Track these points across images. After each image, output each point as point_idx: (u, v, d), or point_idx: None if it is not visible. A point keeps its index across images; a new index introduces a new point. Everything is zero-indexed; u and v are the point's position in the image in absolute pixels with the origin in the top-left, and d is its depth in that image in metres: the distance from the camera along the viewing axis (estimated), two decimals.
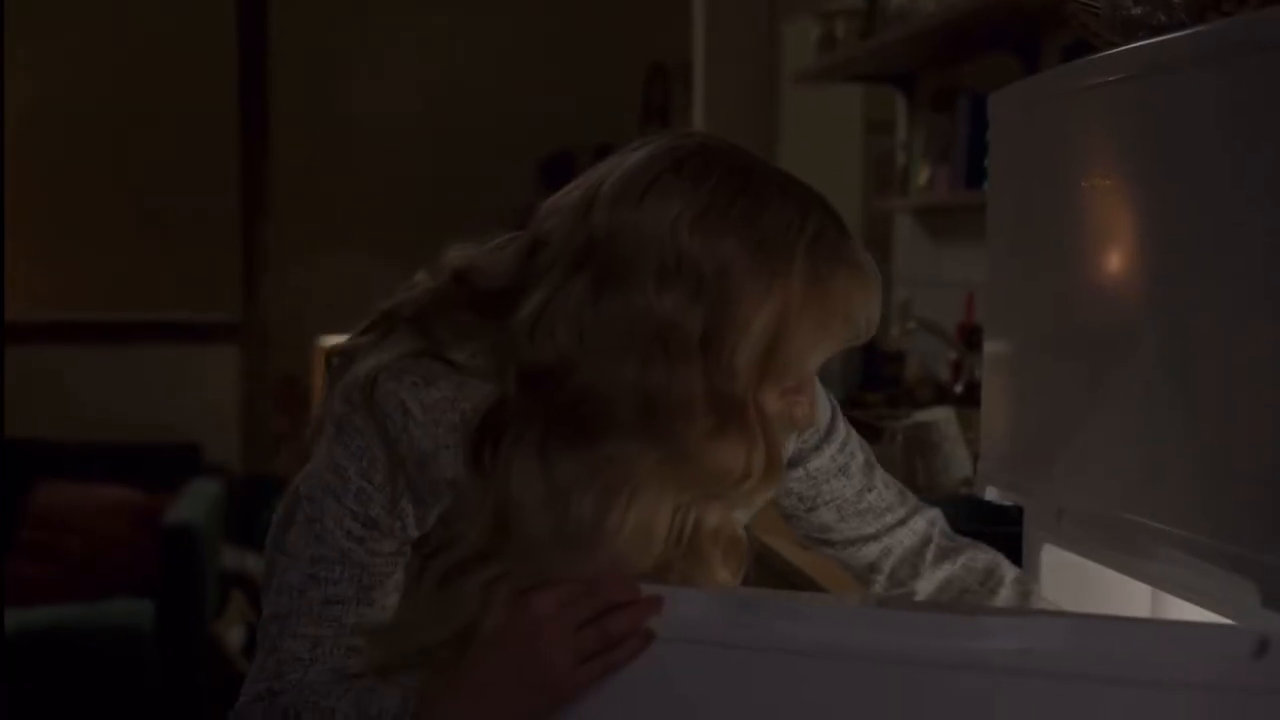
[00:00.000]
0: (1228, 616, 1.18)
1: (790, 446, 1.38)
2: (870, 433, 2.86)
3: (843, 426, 1.46)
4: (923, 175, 3.53)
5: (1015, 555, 1.57)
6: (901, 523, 1.46)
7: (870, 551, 1.46)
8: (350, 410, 1.25)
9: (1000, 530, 1.72)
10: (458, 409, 1.23)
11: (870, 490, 1.46)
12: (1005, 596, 1.44)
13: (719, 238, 1.16)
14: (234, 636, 4.48)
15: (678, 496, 1.20)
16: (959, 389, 3.04)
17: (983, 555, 1.47)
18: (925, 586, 1.45)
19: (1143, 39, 1.35)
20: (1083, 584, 1.47)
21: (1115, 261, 1.33)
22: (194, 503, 4.44)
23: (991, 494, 1.60)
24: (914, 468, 2.65)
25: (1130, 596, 1.42)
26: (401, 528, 1.26)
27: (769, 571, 2.44)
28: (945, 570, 1.45)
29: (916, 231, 3.89)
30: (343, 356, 1.31)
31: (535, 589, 1.17)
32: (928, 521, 1.48)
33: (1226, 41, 1.18)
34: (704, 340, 1.15)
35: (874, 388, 3.62)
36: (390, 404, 1.23)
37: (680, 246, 1.15)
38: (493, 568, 1.20)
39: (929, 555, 1.46)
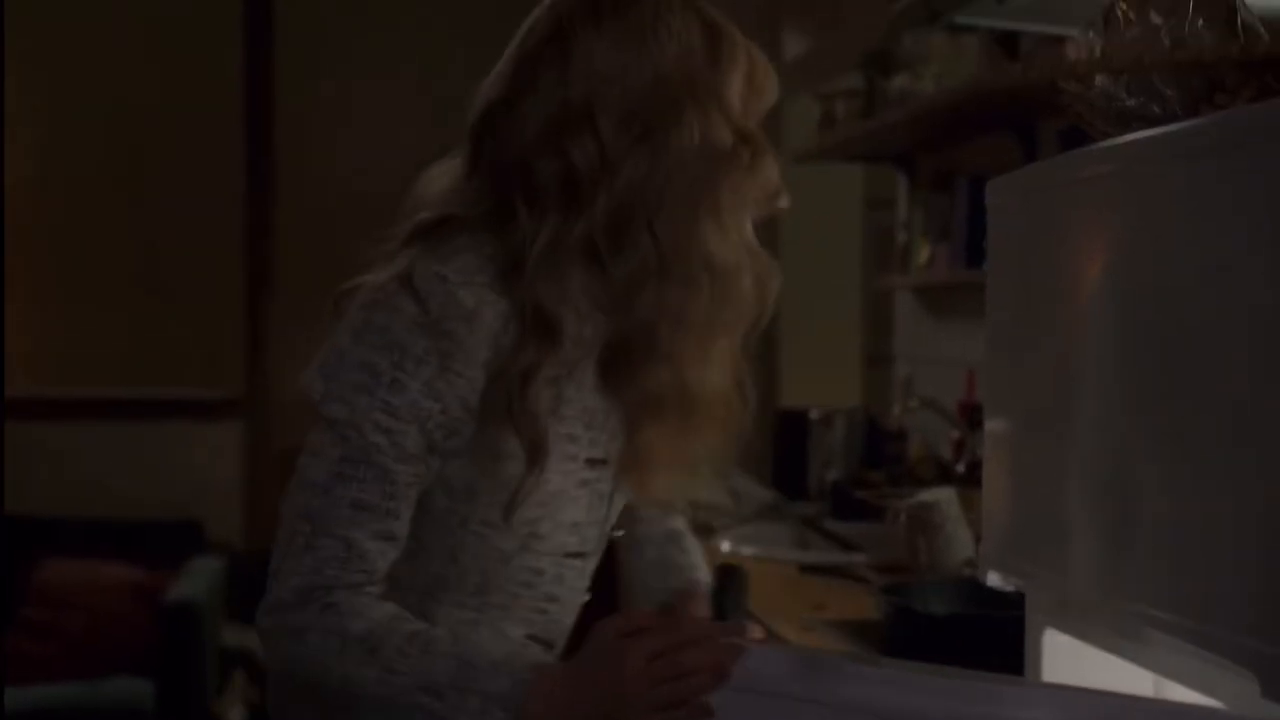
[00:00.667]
0: (1228, 705, 1.18)
1: None
2: (873, 511, 2.88)
3: None
4: (923, 253, 3.56)
5: (1017, 638, 1.58)
6: None
7: None
8: (376, 304, 1.39)
9: (1002, 614, 1.72)
10: (486, 269, 1.39)
11: None
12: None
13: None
14: (235, 716, 4.45)
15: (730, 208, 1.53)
16: (961, 468, 3.04)
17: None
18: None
19: (1137, 129, 1.37)
20: (1085, 668, 1.47)
21: (1111, 348, 1.34)
22: (195, 580, 4.43)
23: (993, 579, 1.60)
24: (916, 547, 2.65)
25: (1133, 682, 1.42)
26: (441, 410, 1.37)
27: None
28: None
29: (917, 309, 3.91)
30: (347, 291, 1.47)
31: (620, 618, 1.33)
32: None
33: (1220, 136, 1.19)
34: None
35: (877, 465, 3.63)
36: (428, 278, 1.38)
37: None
38: (551, 368, 1.40)
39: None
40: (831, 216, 4.99)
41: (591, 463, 1.50)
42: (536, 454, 1.41)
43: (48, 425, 5.19)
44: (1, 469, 4.19)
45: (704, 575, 1.84)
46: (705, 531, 3.31)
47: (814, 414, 3.63)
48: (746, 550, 3.04)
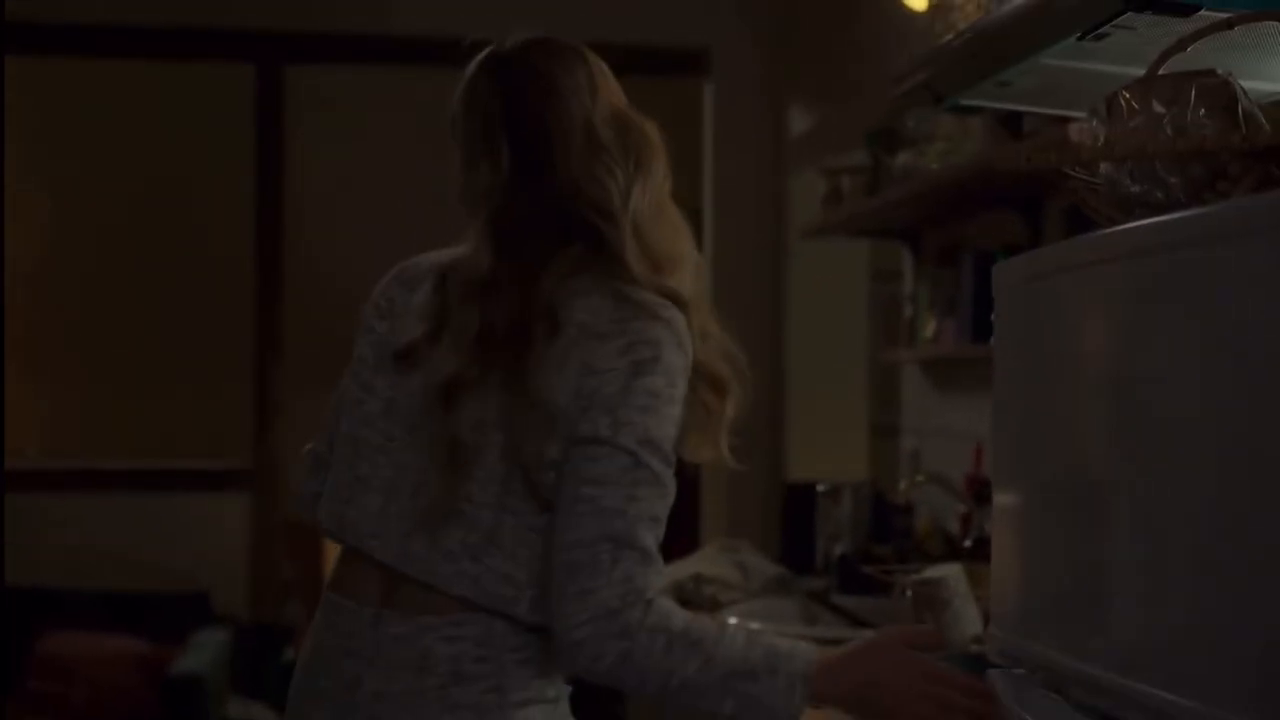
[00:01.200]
0: None
1: None
2: (880, 586, 2.87)
3: None
4: (929, 327, 3.57)
5: None
6: None
7: None
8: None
9: None
10: None
11: None
12: None
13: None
14: None
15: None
16: (968, 543, 3.04)
17: None
18: None
19: (1140, 215, 1.39)
20: None
21: (1117, 430, 1.35)
22: (201, 652, 4.42)
23: (999, 659, 1.60)
24: (923, 623, 2.64)
25: None
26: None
27: None
28: None
29: (924, 382, 3.92)
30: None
31: (908, 629, 1.78)
32: None
33: (1222, 225, 1.21)
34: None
35: (884, 540, 3.62)
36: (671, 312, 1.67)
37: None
38: None
39: None
40: (838, 290, 5.01)
41: None
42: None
43: (52, 496, 5.19)
44: (1, 539, 4.19)
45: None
46: (713, 606, 3.31)
47: (821, 488, 3.63)
48: (754, 625, 3.03)
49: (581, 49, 1.78)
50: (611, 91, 1.77)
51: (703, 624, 1.58)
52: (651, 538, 1.57)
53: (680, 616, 1.56)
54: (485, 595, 1.60)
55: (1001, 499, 1.66)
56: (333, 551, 5.58)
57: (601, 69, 1.77)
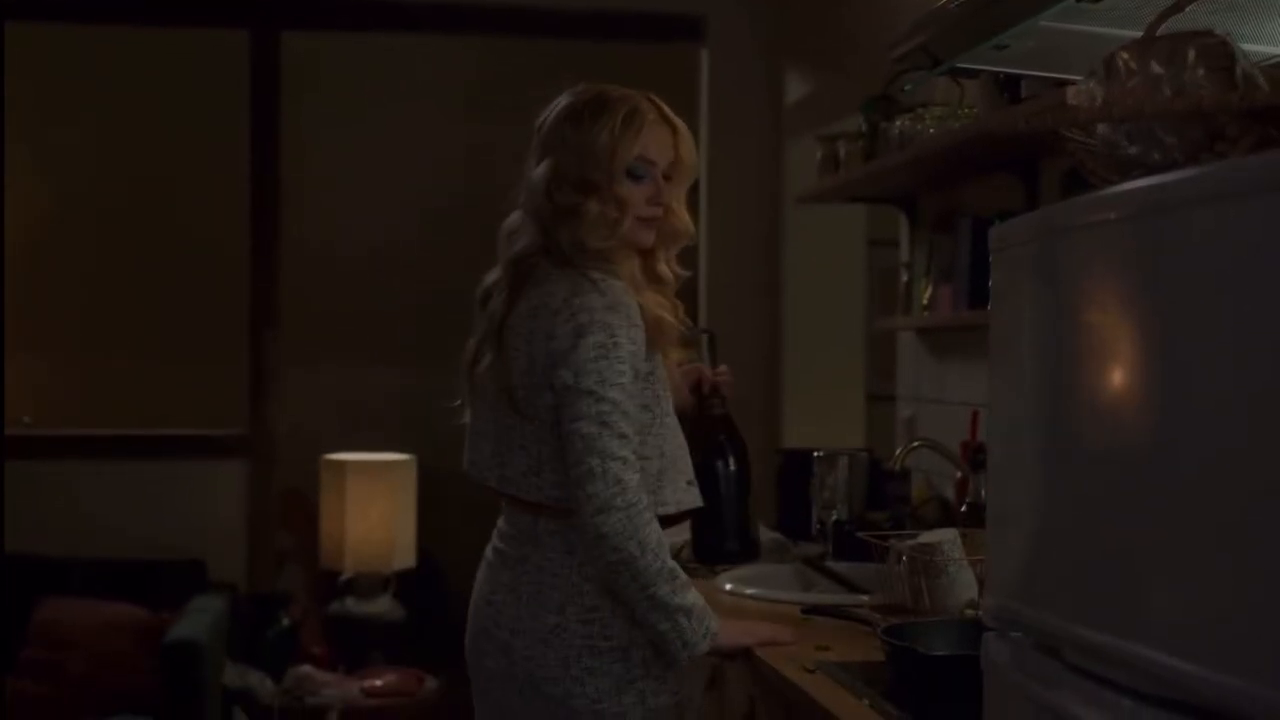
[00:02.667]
0: None
1: None
2: (876, 552, 2.87)
3: None
4: (925, 294, 3.57)
5: None
6: None
7: None
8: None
9: None
10: None
11: None
12: None
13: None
14: None
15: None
16: (964, 508, 3.04)
17: None
18: None
19: (1137, 177, 1.38)
20: None
21: (1115, 392, 1.35)
22: (197, 620, 4.42)
23: (995, 624, 1.60)
24: (918, 589, 2.65)
25: None
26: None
27: (771, 691, 2.43)
28: None
29: (920, 349, 3.92)
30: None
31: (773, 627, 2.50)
32: None
33: (1219, 185, 1.20)
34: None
35: (880, 506, 3.63)
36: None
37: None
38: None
39: None
40: (834, 257, 5.01)
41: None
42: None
43: (49, 464, 5.19)
44: (1, 508, 4.19)
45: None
46: (709, 572, 3.31)
47: (817, 454, 3.63)
48: (749, 590, 3.04)
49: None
50: (582, 129, 2.34)
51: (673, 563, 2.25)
52: (628, 449, 2.21)
53: (665, 540, 2.23)
54: (548, 497, 2.30)
55: (998, 464, 1.66)
56: (329, 520, 5.61)
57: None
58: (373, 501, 5.18)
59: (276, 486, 5.39)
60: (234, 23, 5.33)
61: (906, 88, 3.29)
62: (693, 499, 2.39)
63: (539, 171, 2.33)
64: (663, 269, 2.43)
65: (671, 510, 2.34)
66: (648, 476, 2.27)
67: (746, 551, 2.76)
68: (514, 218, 2.38)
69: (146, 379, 5.85)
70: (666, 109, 2.40)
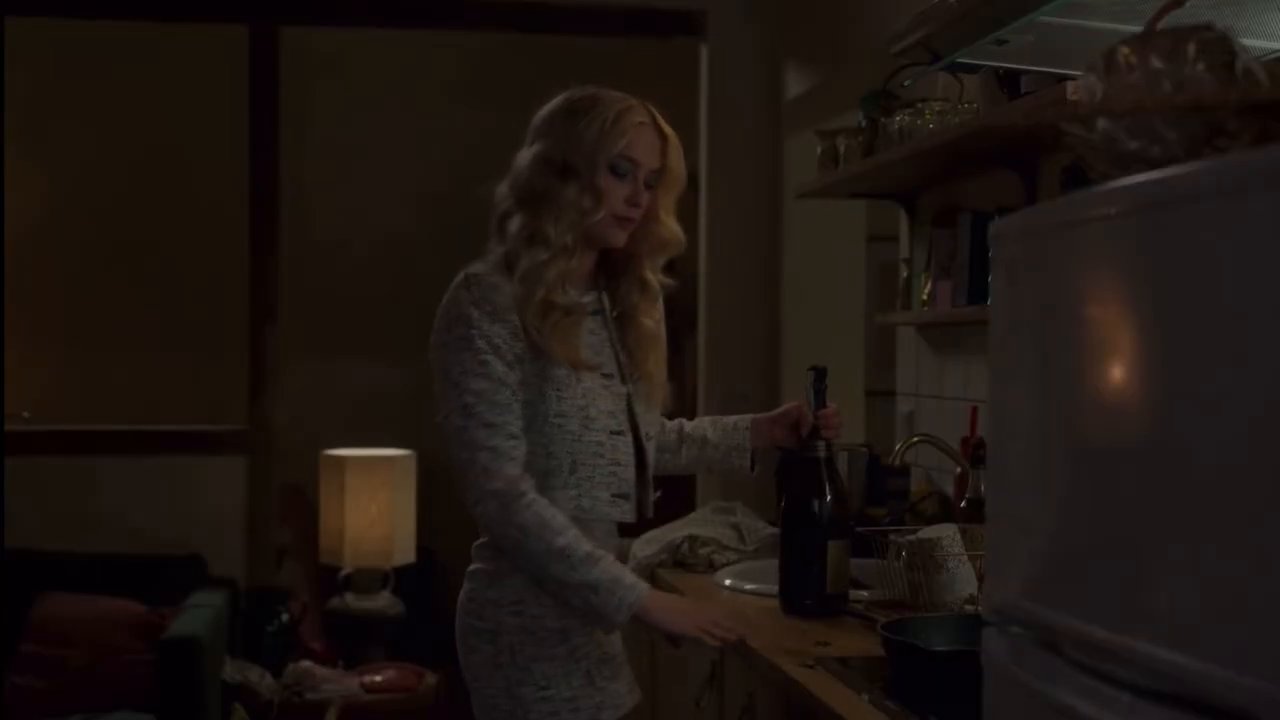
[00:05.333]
0: None
1: None
2: (876, 548, 2.87)
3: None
4: (925, 290, 3.56)
5: None
6: None
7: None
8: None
9: None
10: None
11: None
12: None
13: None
14: None
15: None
16: (963, 504, 3.04)
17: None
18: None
19: (1137, 172, 1.38)
20: None
21: (1114, 387, 1.35)
22: (196, 615, 4.42)
23: (994, 619, 1.60)
24: (918, 584, 2.65)
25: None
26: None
27: (771, 685, 2.43)
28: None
29: (919, 345, 3.91)
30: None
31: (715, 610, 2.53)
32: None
33: (1220, 180, 1.20)
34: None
35: (880, 502, 3.62)
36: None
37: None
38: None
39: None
40: (834, 252, 5.00)
41: (604, 376, 2.41)
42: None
43: (48, 459, 5.19)
44: (1, 503, 4.19)
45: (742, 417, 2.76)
46: (708, 567, 3.31)
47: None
48: (749, 585, 3.04)
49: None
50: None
51: (571, 535, 2.28)
52: (498, 437, 2.28)
53: (555, 521, 2.27)
54: None
55: (998, 460, 1.66)
56: (328, 516, 5.63)
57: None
58: (372, 497, 5.18)
59: (276, 482, 5.40)
60: (232, 17, 5.32)
61: (906, 83, 3.29)
62: (620, 513, 2.43)
63: (526, 155, 2.39)
64: (649, 277, 2.47)
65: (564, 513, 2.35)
66: (535, 474, 2.33)
67: (825, 609, 2.72)
68: (501, 188, 2.44)
69: (146, 374, 5.85)
70: (660, 118, 2.43)
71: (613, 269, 2.48)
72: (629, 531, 3.63)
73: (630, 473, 2.43)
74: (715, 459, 2.73)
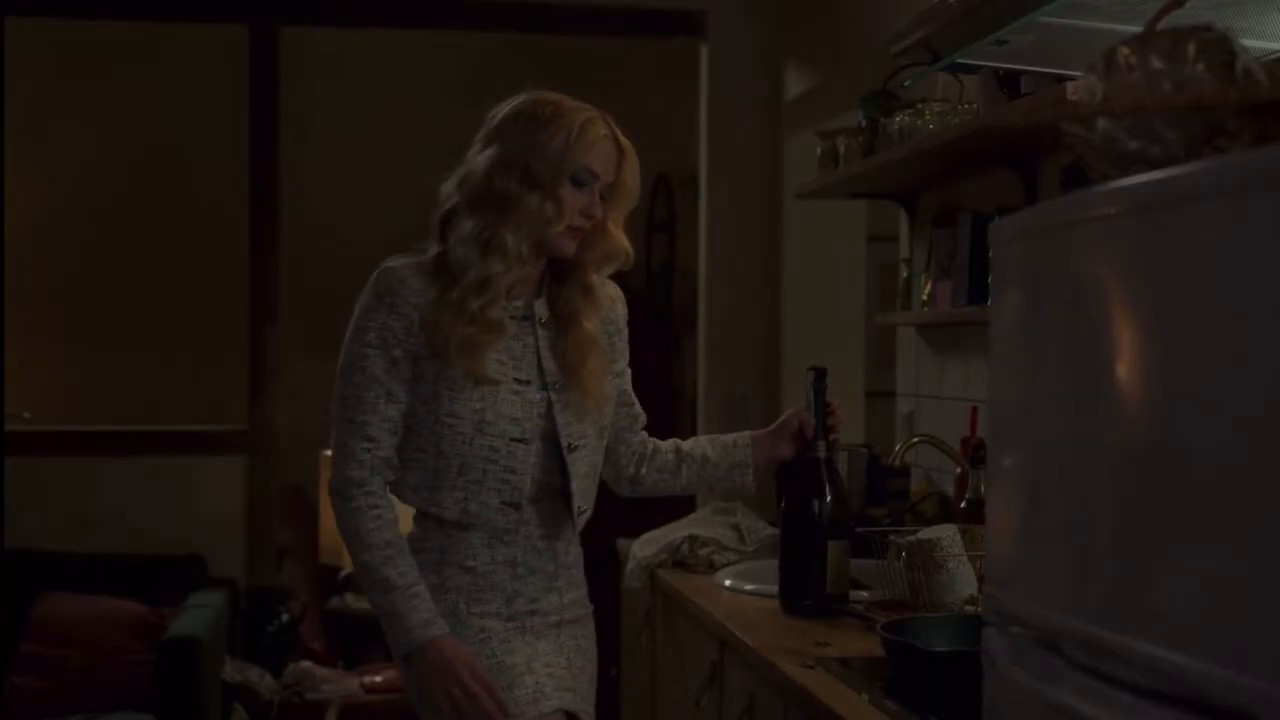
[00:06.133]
0: None
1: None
2: (876, 548, 2.87)
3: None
4: (925, 290, 3.56)
5: None
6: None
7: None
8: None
9: None
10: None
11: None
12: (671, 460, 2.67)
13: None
14: None
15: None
16: (963, 504, 3.04)
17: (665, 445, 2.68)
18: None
19: (1137, 172, 1.38)
20: None
21: (1115, 387, 1.35)
22: (196, 616, 4.42)
23: (994, 619, 1.60)
24: (918, 584, 2.65)
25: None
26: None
27: (771, 686, 2.43)
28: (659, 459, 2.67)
29: (919, 345, 3.91)
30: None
31: (472, 661, 2.32)
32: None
33: (1220, 180, 1.20)
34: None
35: (879, 502, 3.63)
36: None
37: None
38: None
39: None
40: (834, 252, 5.00)
41: (518, 380, 2.38)
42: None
43: (49, 459, 5.19)
44: (1, 504, 4.19)
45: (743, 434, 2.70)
46: (708, 567, 3.31)
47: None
48: (749, 586, 3.04)
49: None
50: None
51: (379, 555, 2.31)
52: (355, 437, 2.34)
53: (370, 535, 2.32)
54: None
55: (998, 460, 1.66)
56: (328, 516, 5.63)
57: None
58: None
59: (276, 482, 5.40)
60: (232, 17, 5.32)
61: (906, 83, 3.29)
62: (507, 521, 2.38)
63: (482, 157, 2.39)
64: (593, 283, 2.48)
65: (450, 516, 2.37)
66: (422, 472, 2.37)
67: (825, 609, 2.72)
68: (447, 186, 2.44)
69: (146, 374, 5.85)
70: (618, 131, 2.43)
71: (556, 274, 2.47)
72: (630, 531, 3.64)
73: (525, 482, 2.37)
74: (716, 477, 2.68)
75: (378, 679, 4.85)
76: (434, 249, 2.40)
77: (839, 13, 4.51)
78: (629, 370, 2.62)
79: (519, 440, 2.37)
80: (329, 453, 5.37)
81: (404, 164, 6.06)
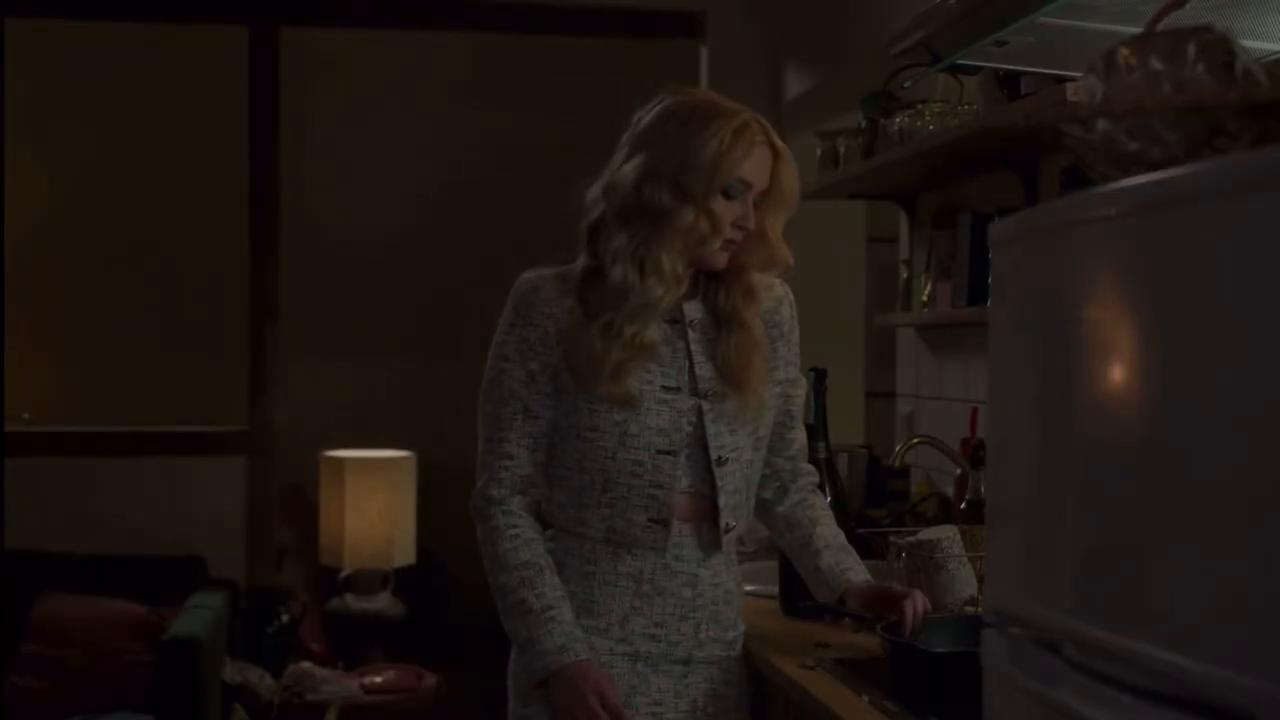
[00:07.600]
0: None
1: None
2: (876, 549, 2.87)
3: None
4: (925, 291, 3.57)
5: None
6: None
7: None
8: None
9: None
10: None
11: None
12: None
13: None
14: None
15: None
16: (964, 505, 3.04)
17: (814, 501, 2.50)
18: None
19: (1137, 173, 1.38)
20: None
21: (1114, 388, 1.35)
22: (196, 616, 4.42)
23: (994, 620, 1.60)
24: (918, 585, 2.64)
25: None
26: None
27: (771, 686, 2.43)
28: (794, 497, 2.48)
29: (919, 346, 3.92)
30: None
31: (604, 687, 2.16)
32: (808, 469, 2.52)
33: (1220, 181, 1.20)
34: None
35: (879, 503, 3.63)
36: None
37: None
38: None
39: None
40: (834, 253, 5.00)
41: (666, 389, 2.22)
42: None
43: (49, 460, 5.19)
44: (1, 504, 4.18)
45: (864, 576, 2.42)
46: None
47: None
48: (749, 586, 3.04)
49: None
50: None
51: (515, 577, 2.20)
52: (495, 454, 2.23)
53: (507, 556, 2.21)
54: None
55: (998, 461, 1.66)
56: (328, 516, 5.61)
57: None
58: (372, 498, 5.18)
59: (276, 483, 5.39)
60: (232, 18, 5.32)
61: (906, 84, 3.29)
62: (654, 539, 2.23)
63: (630, 166, 2.22)
64: (754, 283, 2.31)
65: (596, 535, 2.24)
66: (568, 490, 2.25)
67: (823, 610, 2.59)
68: (594, 192, 2.28)
69: (146, 375, 5.85)
70: (772, 132, 2.28)
71: (711, 273, 2.30)
72: None
73: (673, 497, 2.22)
74: (807, 575, 2.46)
75: (378, 679, 4.85)
76: (582, 260, 2.26)
77: (839, 13, 4.51)
78: (802, 384, 2.46)
79: (666, 453, 2.22)
80: (329, 453, 5.39)
81: (404, 164, 6.08)
